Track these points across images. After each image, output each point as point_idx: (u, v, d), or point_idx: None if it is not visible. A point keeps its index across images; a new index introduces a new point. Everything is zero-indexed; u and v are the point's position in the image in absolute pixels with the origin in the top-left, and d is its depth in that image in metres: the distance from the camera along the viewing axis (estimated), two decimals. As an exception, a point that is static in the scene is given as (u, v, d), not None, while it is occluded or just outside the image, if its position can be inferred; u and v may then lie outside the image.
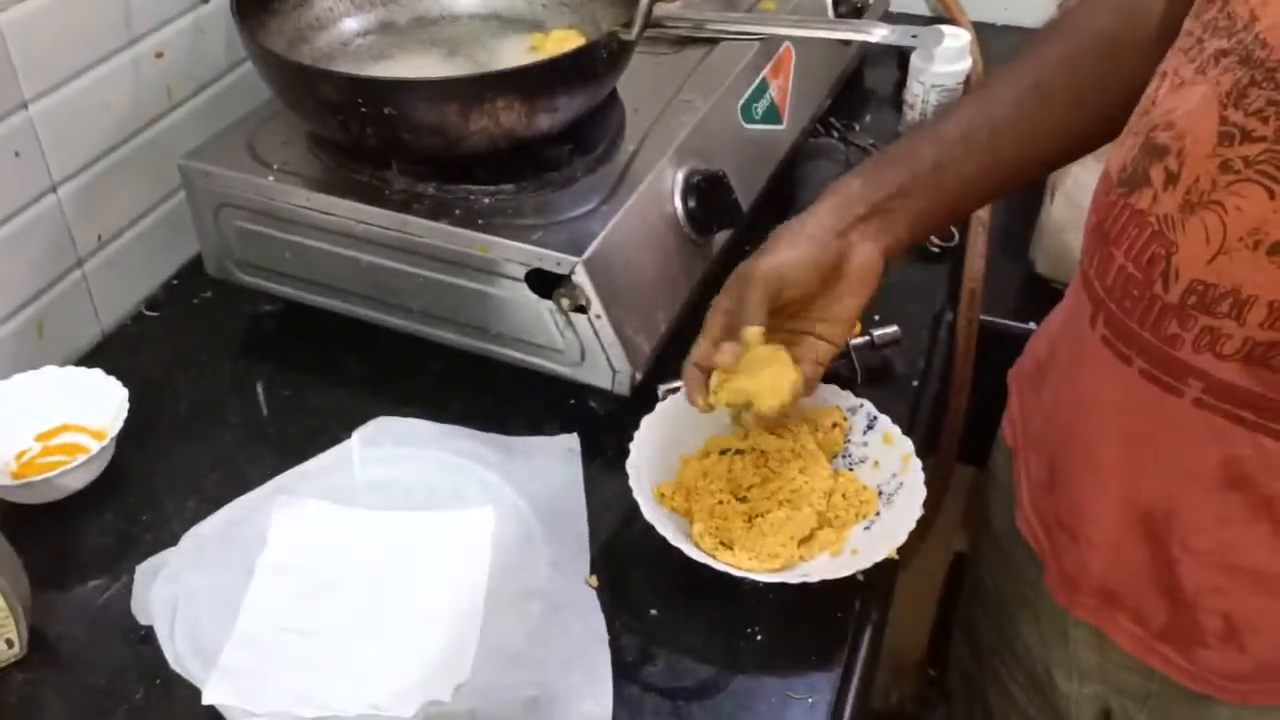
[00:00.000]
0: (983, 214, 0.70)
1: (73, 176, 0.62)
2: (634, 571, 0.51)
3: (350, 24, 0.66)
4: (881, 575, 0.49)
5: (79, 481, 0.54)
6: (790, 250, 0.46)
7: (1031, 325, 0.60)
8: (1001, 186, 0.51)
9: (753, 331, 0.45)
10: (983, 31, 0.86)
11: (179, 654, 0.46)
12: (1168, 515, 0.43)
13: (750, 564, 0.48)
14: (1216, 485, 0.41)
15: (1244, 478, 0.40)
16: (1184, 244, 0.39)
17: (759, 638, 0.48)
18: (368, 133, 0.55)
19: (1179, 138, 0.39)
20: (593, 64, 0.56)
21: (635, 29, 0.55)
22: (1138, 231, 0.41)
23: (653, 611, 0.49)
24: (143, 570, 0.50)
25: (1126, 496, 0.45)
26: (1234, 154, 0.37)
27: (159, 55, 0.65)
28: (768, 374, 0.46)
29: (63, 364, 0.59)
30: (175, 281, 0.69)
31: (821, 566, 0.48)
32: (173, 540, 0.51)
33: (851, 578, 0.48)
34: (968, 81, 0.79)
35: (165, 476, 0.56)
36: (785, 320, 0.48)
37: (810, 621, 0.48)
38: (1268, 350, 0.37)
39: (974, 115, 0.49)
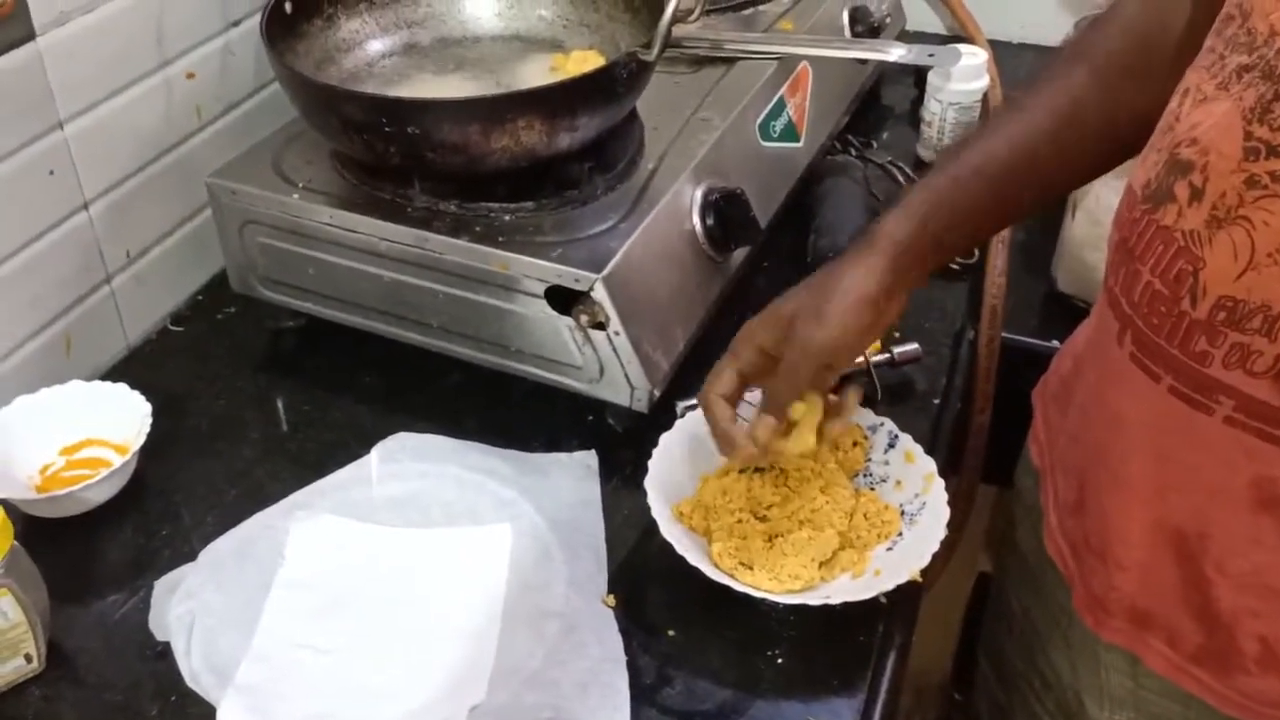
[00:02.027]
0: (1004, 231, 0.69)
1: (104, 194, 0.63)
2: (652, 591, 0.50)
3: (376, 46, 0.67)
4: (905, 597, 0.48)
5: (101, 495, 0.54)
6: (855, 320, 0.44)
7: (1054, 343, 0.59)
8: (1030, 212, 0.51)
9: (799, 407, 0.46)
10: (999, 50, 0.87)
11: (194, 671, 0.46)
12: (1200, 535, 0.42)
13: (770, 585, 0.47)
14: (1248, 506, 0.40)
15: (1276, 499, 0.39)
16: (1211, 260, 0.38)
17: (779, 660, 0.47)
18: (391, 151, 0.56)
19: (1203, 153, 0.39)
20: (612, 84, 0.57)
21: (655, 49, 0.56)
22: (1164, 247, 0.40)
23: (670, 632, 0.48)
24: (160, 586, 0.50)
25: (1157, 516, 0.44)
26: (1260, 169, 0.36)
27: (190, 76, 0.67)
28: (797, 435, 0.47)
29: (89, 378, 0.59)
30: (200, 297, 0.70)
31: (843, 588, 0.48)
32: (191, 555, 0.52)
33: (874, 600, 0.47)
34: (985, 99, 0.79)
35: (185, 491, 0.56)
36: None
37: (832, 644, 0.47)
38: None
39: (1013, 159, 0.47)
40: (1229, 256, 0.37)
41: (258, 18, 0.60)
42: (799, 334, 0.45)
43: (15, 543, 0.45)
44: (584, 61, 0.63)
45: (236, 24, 0.69)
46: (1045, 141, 0.48)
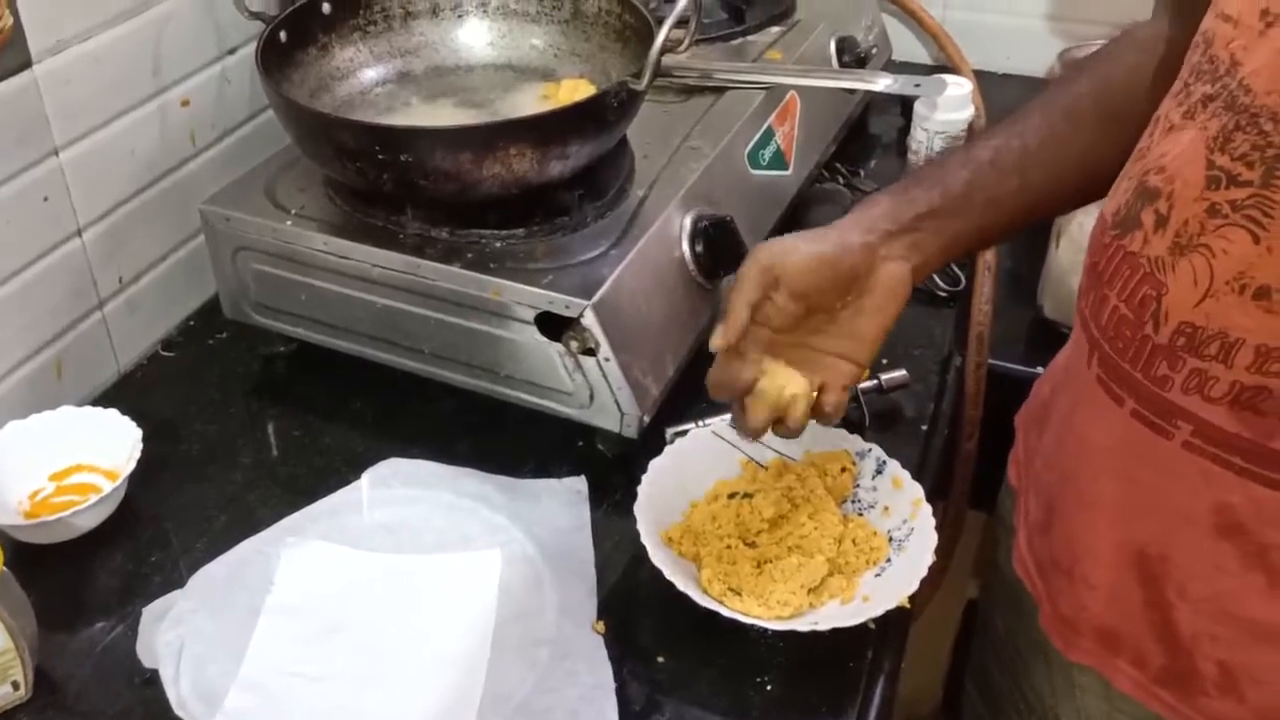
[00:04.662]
0: (989, 258, 0.70)
1: (97, 221, 0.63)
2: (641, 617, 0.50)
3: (369, 74, 0.68)
4: (894, 623, 0.49)
5: (90, 521, 0.54)
6: (806, 243, 0.45)
7: (1040, 370, 0.60)
8: (1032, 213, 0.50)
9: (786, 377, 0.46)
10: (984, 80, 0.88)
11: (183, 698, 0.46)
12: (1162, 559, 0.43)
13: (760, 611, 0.47)
14: (1209, 532, 0.40)
15: (1235, 526, 0.40)
16: (1174, 286, 0.39)
17: (769, 687, 0.47)
18: (384, 179, 0.56)
19: (1169, 181, 0.40)
20: (603, 112, 0.58)
21: (645, 79, 0.57)
22: (1130, 273, 0.41)
23: (660, 659, 0.48)
24: (149, 612, 0.50)
25: (1121, 538, 0.44)
26: (1221, 198, 0.37)
27: (185, 103, 0.67)
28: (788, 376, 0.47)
29: (80, 404, 0.60)
30: (192, 323, 0.71)
31: (832, 614, 0.48)
32: (181, 581, 0.51)
33: (863, 626, 0.47)
34: (970, 129, 0.81)
35: (175, 517, 0.56)
36: (806, 335, 0.47)
37: (821, 671, 0.48)
38: (1255, 394, 0.37)
39: (1006, 141, 0.48)
40: (1190, 283, 0.38)
41: (253, 46, 0.60)
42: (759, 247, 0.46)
43: (4, 569, 0.45)
44: (575, 90, 0.64)
45: (232, 52, 0.70)
46: (1037, 137, 0.48)
